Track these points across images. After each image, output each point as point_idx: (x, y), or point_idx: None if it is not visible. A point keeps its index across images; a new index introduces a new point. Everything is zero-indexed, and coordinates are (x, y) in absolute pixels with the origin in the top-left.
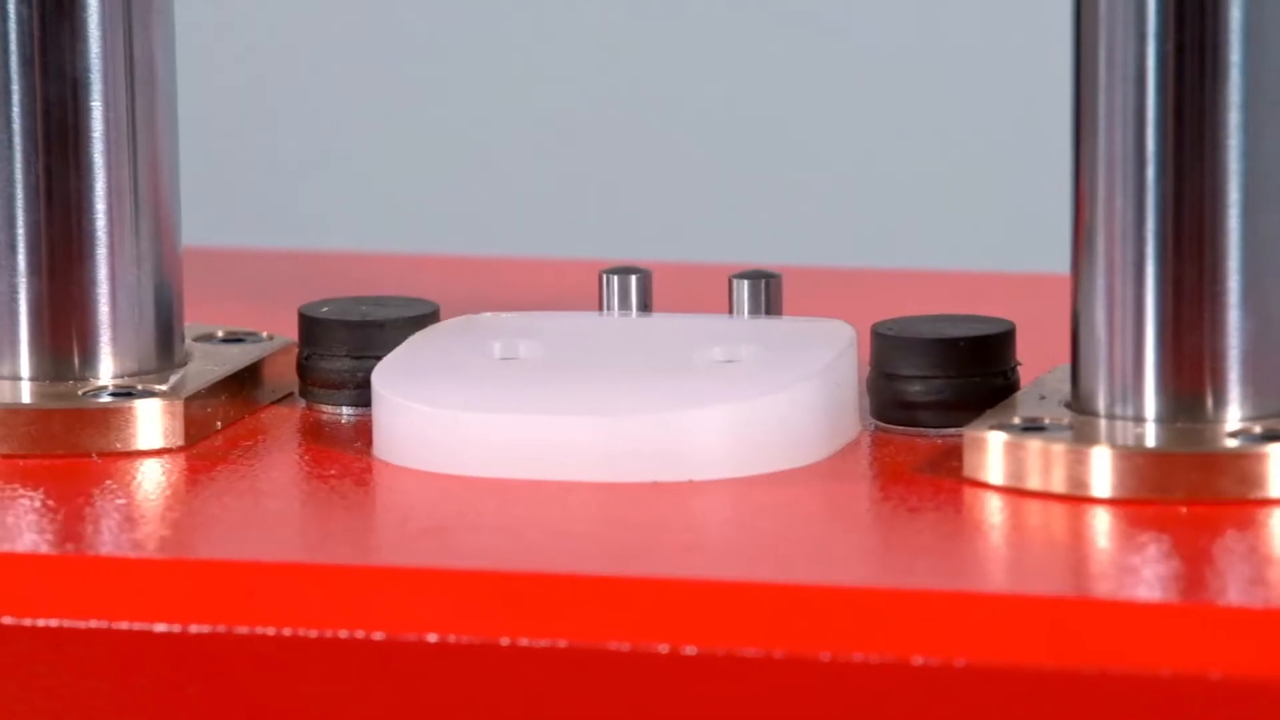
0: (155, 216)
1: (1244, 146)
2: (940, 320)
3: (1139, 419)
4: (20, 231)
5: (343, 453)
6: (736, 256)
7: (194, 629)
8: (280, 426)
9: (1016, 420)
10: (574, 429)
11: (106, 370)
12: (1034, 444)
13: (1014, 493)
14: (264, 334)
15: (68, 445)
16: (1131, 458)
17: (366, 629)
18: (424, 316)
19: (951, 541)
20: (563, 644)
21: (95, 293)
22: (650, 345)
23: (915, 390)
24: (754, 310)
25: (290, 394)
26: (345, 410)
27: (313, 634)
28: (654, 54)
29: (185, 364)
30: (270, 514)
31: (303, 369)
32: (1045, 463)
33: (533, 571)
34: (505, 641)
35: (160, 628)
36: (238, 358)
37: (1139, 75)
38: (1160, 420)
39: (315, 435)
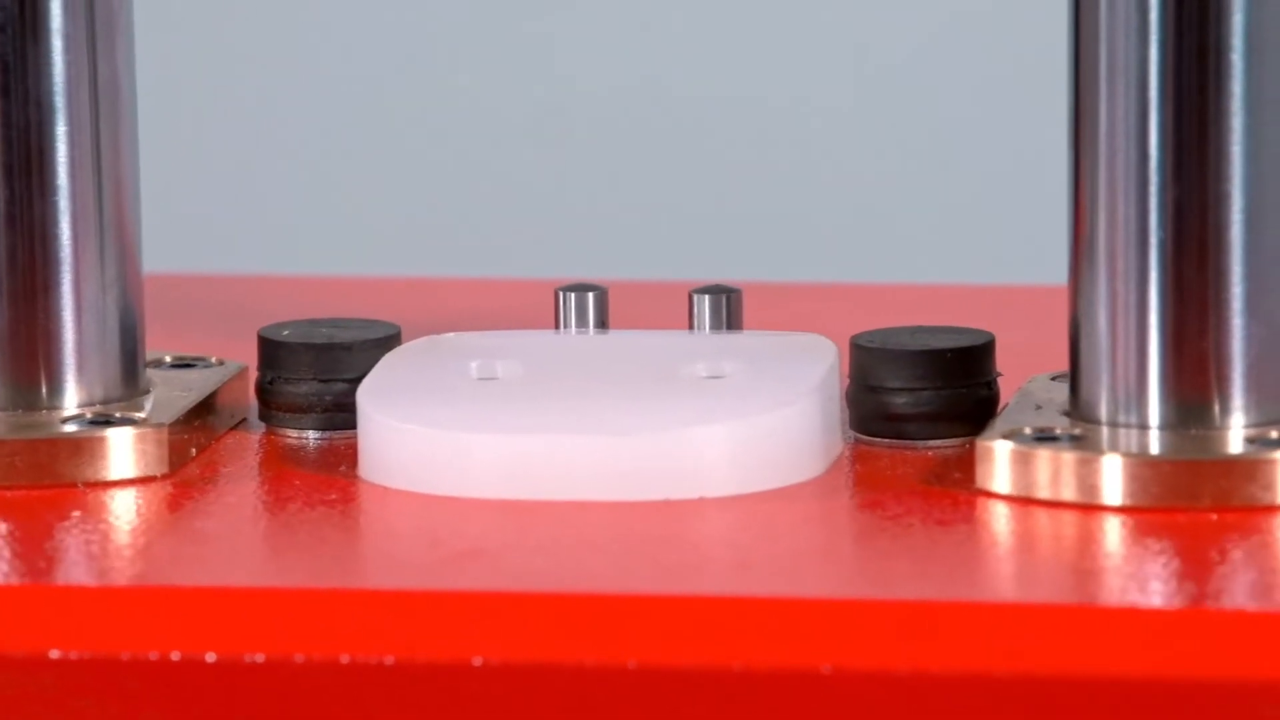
0: (120, 241)
1: (1248, 151)
2: (918, 332)
3: (1143, 426)
4: None
5: (331, 476)
6: (683, 274)
7: (249, 658)
8: (251, 452)
9: (1027, 431)
10: (587, 448)
11: (72, 399)
12: (1056, 455)
13: (1038, 504)
14: (213, 359)
15: (53, 475)
16: (1160, 465)
17: (437, 655)
18: (388, 338)
19: (999, 554)
20: (632, 664)
21: (63, 320)
22: (630, 362)
23: (901, 402)
24: (715, 325)
25: (244, 419)
26: (311, 434)
27: (389, 660)
28: (601, 68)
29: (149, 391)
30: (293, 541)
31: (266, 393)
32: (1068, 473)
33: (609, 593)
34: (579, 662)
35: (210, 657)
36: (202, 383)
37: (1141, 81)
38: (1165, 428)
39: (293, 460)
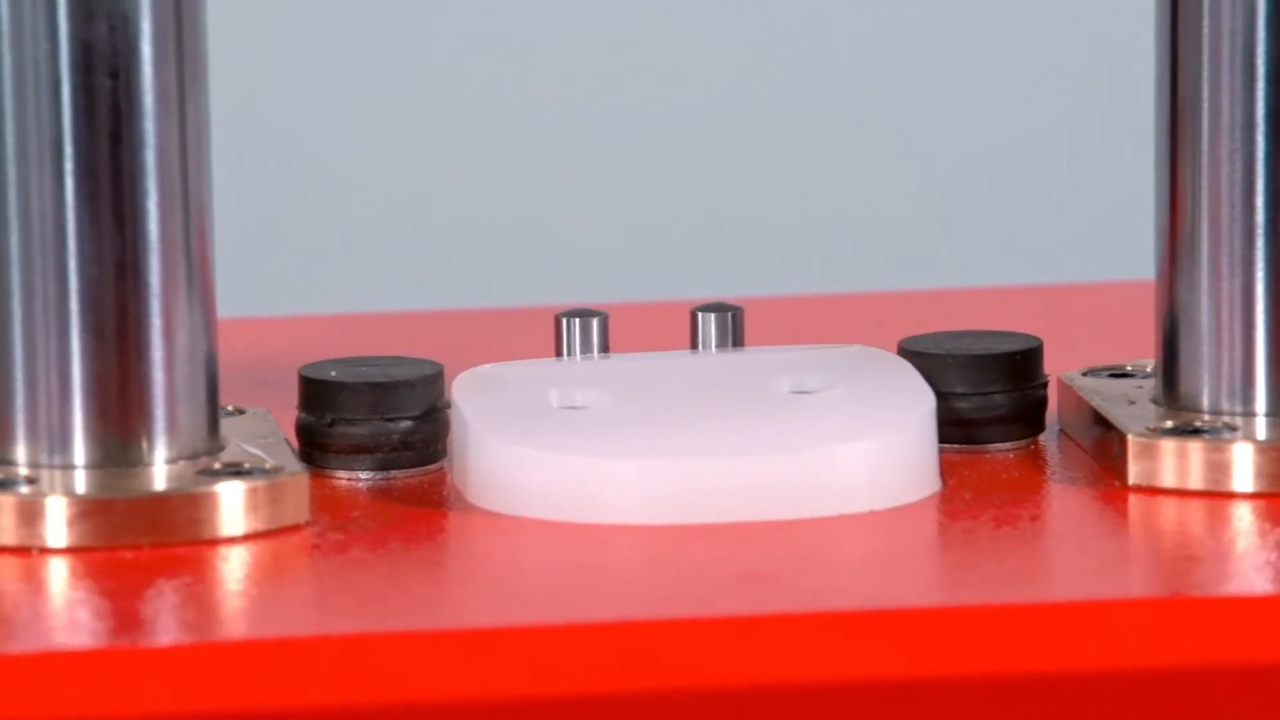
0: (204, 288)
1: None
2: (960, 336)
3: (1249, 414)
4: (75, 304)
5: (462, 512)
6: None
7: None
8: (342, 496)
9: (1169, 424)
10: (748, 469)
11: (163, 452)
12: (1223, 448)
13: (1200, 495)
14: (229, 406)
15: (211, 530)
16: None
17: (769, 676)
18: (438, 374)
19: (1185, 548)
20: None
21: (161, 370)
22: (708, 382)
23: (970, 406)
24: (720, 342)
25: None
26: (362, 475)
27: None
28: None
29: (228, 442)
30: (498, 578)
31: (320, 435)
32: (1237, 465)
33: (839, 610)
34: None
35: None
36: (267, 430)
37: (1249, 68)
38: (1273, 414)
39: (394, 499)
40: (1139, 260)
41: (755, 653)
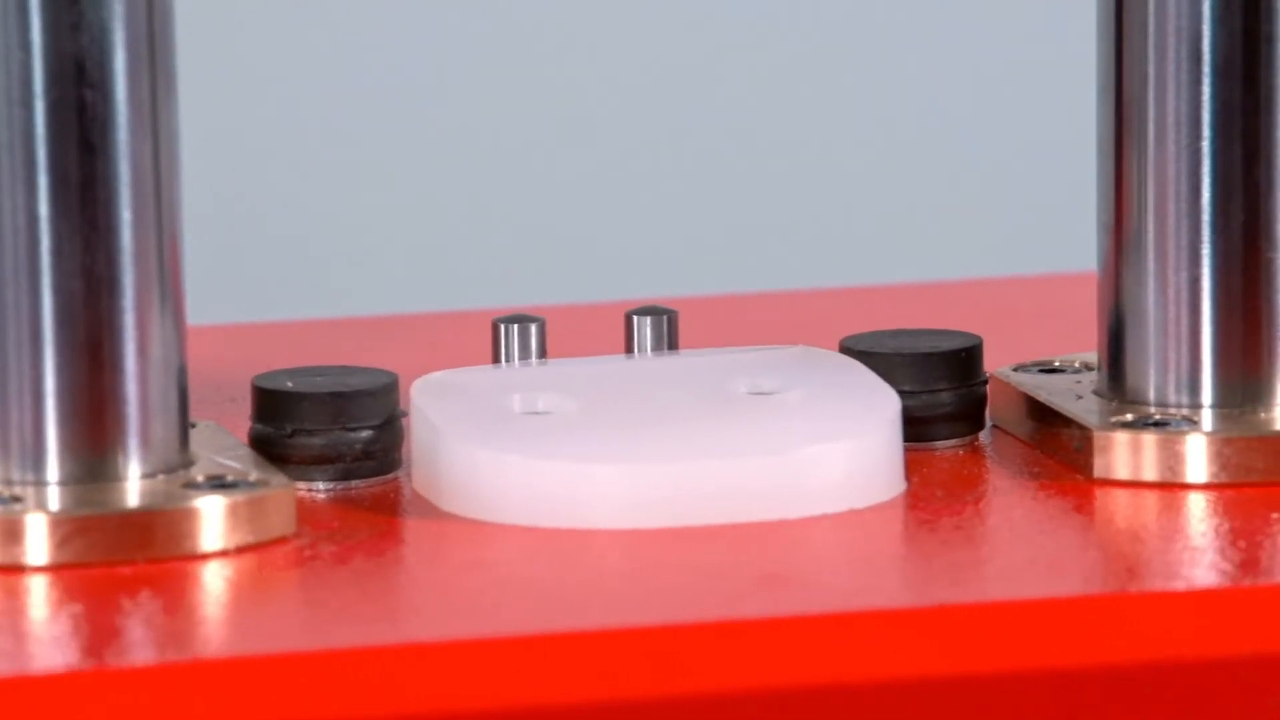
0: (175, 298)
1: None
2: (899, 335)
3: (1196, 406)
4: (50, 318)
5: (440, 521)
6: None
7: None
8: (316, 505)
9: (1129, 418)
10: (740, 471)
11: (137, 468)
12: (1186, 439)
13: (1164, 487)
14: None
15: (199, 544)
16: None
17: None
18: (394, 383)
19: (1178, 541)
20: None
21: (135, 382)
22: (667, 385)
23: (918, 404)
24: (656, 346)
25: None
26: (321, 486)
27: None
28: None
29: (198, 456)
30: (498, 585)
31: (278, 446)
32: (1198, 456)
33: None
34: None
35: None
36: (227, 441)
37: (1194, 65)
38: (1219, 406)
39: (371, 508)
40: (1058, 255)
41: (789, 655)
